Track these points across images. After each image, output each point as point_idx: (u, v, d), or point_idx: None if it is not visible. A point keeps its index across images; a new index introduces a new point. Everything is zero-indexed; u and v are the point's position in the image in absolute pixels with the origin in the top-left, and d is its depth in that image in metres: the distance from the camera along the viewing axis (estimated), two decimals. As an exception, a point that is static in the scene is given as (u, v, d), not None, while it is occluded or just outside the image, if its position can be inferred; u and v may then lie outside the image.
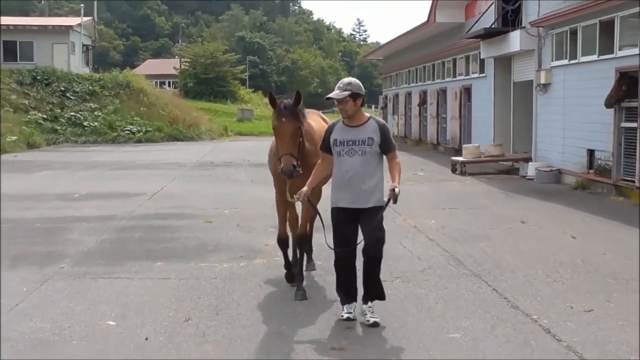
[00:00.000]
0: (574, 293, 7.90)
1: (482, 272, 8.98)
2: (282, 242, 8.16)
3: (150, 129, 41.11)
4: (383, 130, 6.62)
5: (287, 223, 8.16)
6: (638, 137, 14.84)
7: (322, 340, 6.46)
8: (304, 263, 8.27)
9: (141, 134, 40.40)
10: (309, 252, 8.84)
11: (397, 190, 6.30)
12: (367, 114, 6.81)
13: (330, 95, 6.58)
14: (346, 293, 6.81)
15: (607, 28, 16.50)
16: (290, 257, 8.30)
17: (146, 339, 6.47)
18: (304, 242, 8.07)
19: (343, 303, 6.80)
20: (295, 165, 6.91)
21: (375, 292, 6.73)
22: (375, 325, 6.42)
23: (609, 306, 7.47)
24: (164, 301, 7.78)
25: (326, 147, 6.75)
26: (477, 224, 12.42)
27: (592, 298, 7.67)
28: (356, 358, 5.86)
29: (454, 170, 22.23)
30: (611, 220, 12.98)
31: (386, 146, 6.62)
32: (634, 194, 15.08)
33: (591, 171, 17.34)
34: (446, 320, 7.00)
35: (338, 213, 6.70)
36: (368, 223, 6.52)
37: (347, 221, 6.62)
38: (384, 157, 6.76)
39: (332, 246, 6.80)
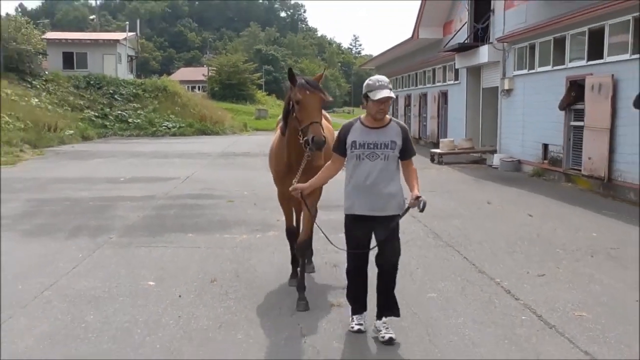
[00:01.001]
0: (530, 261, 7.94)
1: (455, 243, 9.00)
2: (291, 233, 6.74)
3: (183, 125, 41.07)
4: (406, 134, 5.21)
5: (294, 217, 6.89)
6: (583, 134, 14.86)
7: (324, 297, 6.51)
8: (305, 272, 6.62)
9: (175, 129, 40.36)
10: (309, 255, 7.44)
11: (422, 198, 4.97)
12: (388, 116, 5.28)
13: (382, 95, 4.97)
14: (357, 302, 5.44)
15: (559, 43, 16.47)
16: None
17: (179, 296, 6.55)
18: (305, 248, 6.48)
19: (353, 313, 5.44)
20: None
21: (390, 307, 5.29)
22: (390, 341, 5.07)
23: (558, 271, 7.52)
24: (194, 266, 7.82)
25: (341, 148, 5.22)
26: (451, 204, 12.42)
27: (544, 265, 7.72)
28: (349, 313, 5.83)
29: (432, 160, 22.20)
30: (561, 202, 13.00)
31: (407, 152, 5.19)
32: (580, 180, 15.13)
33: (545, 161, 17.36)
34: (425, 282, 7.04)
35: (353, 221, 5.20)
36: (384, 232, 5.11)
37: (362, 229, 5.17)
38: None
39: (339, 247, 5.52)
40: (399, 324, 5.53)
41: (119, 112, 39.94)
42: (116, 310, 6.07)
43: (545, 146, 17.37)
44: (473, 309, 6.18)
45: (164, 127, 40.14)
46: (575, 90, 15.34)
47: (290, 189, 5.44)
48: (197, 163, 21.74)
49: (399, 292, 5.43)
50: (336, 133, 5.82)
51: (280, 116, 6.54)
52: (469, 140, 22.85)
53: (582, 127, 15.04)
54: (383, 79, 5.15)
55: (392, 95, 5.11)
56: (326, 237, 5.60)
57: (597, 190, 14.27)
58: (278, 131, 6.53)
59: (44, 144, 27.31)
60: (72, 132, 32.08)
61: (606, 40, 14.17)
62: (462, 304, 6.34)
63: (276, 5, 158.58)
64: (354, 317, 5.43)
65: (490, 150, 21.66)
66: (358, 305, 5.43)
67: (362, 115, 5.33)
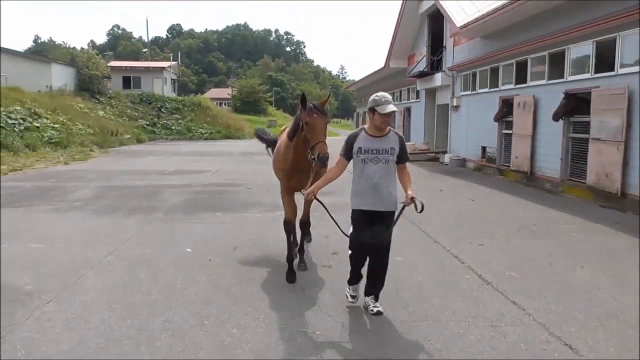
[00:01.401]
0: (472, 234, 7.88)
1: (415, 220, 8.88)
2: (289, 225, 5.92)
3: (213, 131, 40.72)
4: (402, 142, 4.79)
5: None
6: (512, 139, 14.81)
7: (319, 260, 6.48)
8: (302, 250, 6.36)
9: (207, 134, 40.05)
10: (309, 239, 7.07)
11: (417, 199, 4.67)
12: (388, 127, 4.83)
13: (389, 110, 4.57)
14: (354, 276, 4.92)
15: (494, 71, 16.37)
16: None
17: (209, 259, 6.47)
18: (307, 226, 6.32)
19: (350, 283, 4.97)
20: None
21: (377, 292, 4.83)
22: (378, 314, 4.67)
23: (493, 242, 7.46)
24: (221, 236, 7.73)
25: (348, 153, 4.75)
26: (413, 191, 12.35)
27: (483, 237, 7.63)
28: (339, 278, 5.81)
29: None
30: (495, 190, 12.96)
31: (403, 156, 4.77)
32: (510, 173, 15.06)
33: (484, 159, 17.28)
34: (394, 249, 6.95)
35: (359, 214, 4.76)
36: (382, 227, 4.75)
37: (366, 221, 4.72)
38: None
39: (348, 234, 4.85)
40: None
41: (165, 121, 39.58)
42: (162, 270, 6.01)
43: (484, 148, 17.30)
44: (429, 269, 6.16)
45: (198, 133, 39.82)
46: (506, 107, 15.27)
47: (305, 194, 4.87)
48: (223, 160, 21.61)
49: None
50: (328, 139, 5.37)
51: (285, 126, 6.54)
52: (427, 143, 22.77)
53: (511, 134, 14.97)
54: (387, 95, 4.73)
55: (396, 109, 4.71)
56: (337, 224, 5.02)
57: (522, 181, 14.23)
58: (284, 137, 5.98)
59: (108, 145, 27.10)
60: (129, 136, 31.83)
61: (529, 70, 14.08)
62: (421, 265, 6.31)
63: (283, 42, 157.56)
64: (350, 287, 4.96)
65: (442, 151, 21.53)
66: (355, 279, 4.92)
67: (366, 126, 4.84)
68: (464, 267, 6.22)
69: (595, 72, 11.14)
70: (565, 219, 9.32)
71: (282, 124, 62.40)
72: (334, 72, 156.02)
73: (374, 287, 4.84)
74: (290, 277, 5.66)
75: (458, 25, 16.93)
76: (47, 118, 25.04)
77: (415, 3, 23.83)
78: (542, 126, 13.32)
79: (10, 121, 21.76)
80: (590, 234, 8.12)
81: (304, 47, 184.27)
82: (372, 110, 4.66)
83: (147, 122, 38.22)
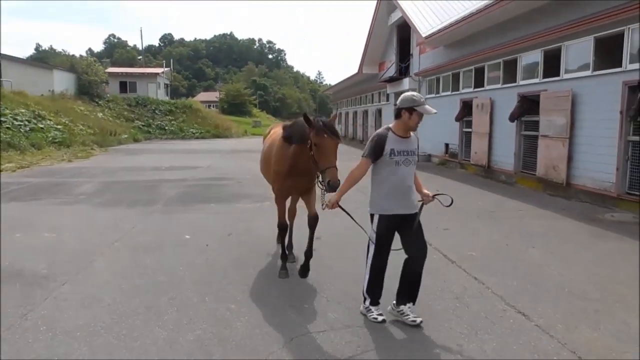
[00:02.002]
0: (438, 219, 7.98)
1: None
2: (283, 228, 5.24)
3: (203, 131, 40.38)
4: (418, 143, 4.21)
5: (287, 214, 5.48)
6: (472, 136, 15.08)
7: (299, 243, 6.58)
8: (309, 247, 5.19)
9: (198, 134, 39.70)
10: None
11: (441, 195, 4.26)
12: None
13: (430, 111, 3.96)
14: (377, 295, 4.17)
15: (455, 77, 16.62)
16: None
17: (207, 245, 6.50)
18: (316, 221, 5.01)
19: (373, 304, 4.16)
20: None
21: (414, 295, 4.12)
22: (419, 324, 3.96)
23: (456, 226, 7.61)
24: (215, 225, 7.77)
25: (377, 155, 4.00)
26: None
27: (447, 222, 7.68)
28: (322, 259, 5.89)
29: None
30: (457, 182, 13.17)
31: (417, 157, 4.16)
32: (470, 167, 15.34)
33: (447, 155, 17.54)
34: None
35: (389, 220, 4.04)
36: (414, 233, 4.07)
37: (392, 228, 4.08)
38: None
39: (373, 241, 4.12)
40: (346, 254, 5.64)
41: (159, 122, 39.09)
42: (164, 255, 6.04)
43: (447, 145, 17.54)
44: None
45: (190, 132, 39.44)
46: (466, 108, 15.54)
47: (325, 205, 4.11)
48: (214, 156, 21.52)
49: (353, 242, 5.45)
50: None
51: (271, 127, 6.17)
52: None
53: (471, 132, 15.25)
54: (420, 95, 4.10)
55: (435, 111, 4.12)
56: (356, 222, 4.39)
57: (481, 174, 14.51)
58: (275, 137, 5.25)
59: (108, 144, 26.68)
60: (126, 136, 31.41)
61: (486, 75, 14.35)
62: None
63: (265, 50, 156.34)
64: (373, 307, 4.14)
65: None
66: (377, 298, 4.17)
67: (391, 125, 4.08)
68: (431, 248, 6.26)
69: (544, 77, 11.43)
70: (519, 206, 9.58)
71: (266, 124, 61.91)
72: (312, 77, 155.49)
73: (409, 296, 4.12)
74: (283, 274, 5.20)
75: (423, 35, 17.13)
76: (50, 119, 24.61)
77: (385, 15, 24.00)
78: (497, 125, 13.61)
79: (16, 122, 21.33)
80: (540, 219, 8.38)
81: (285, 54, 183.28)
82: (410, 110, 3.95)
83: (143, 123, 37.73)
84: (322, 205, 4.21)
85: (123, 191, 11.23)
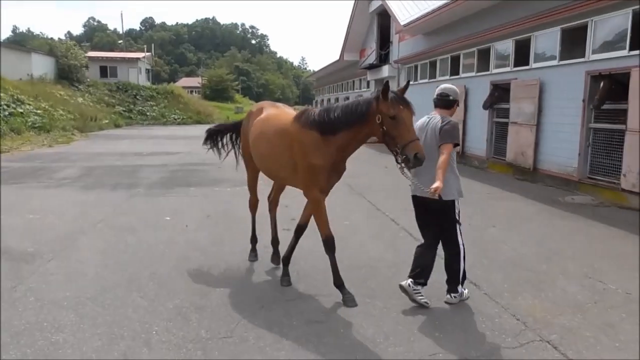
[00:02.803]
0: (408, 203, 8.43)
1: (362, 192, 9.47)
2: (332, 242, 4.30)
3: (185, 117, 40.31)
4: None
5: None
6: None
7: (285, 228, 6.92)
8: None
9: (180, 119, 39.62)
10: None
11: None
12: None
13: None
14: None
15: (432, 65, 16.97)
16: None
17: (186, 226, 6.79)
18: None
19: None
20: None
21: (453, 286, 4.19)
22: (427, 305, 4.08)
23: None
24: (195, 207, 8.04)
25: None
26: (362, 168, 12.69)
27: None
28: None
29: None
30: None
31: None
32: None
33: (424, 141, 17.94)
34: (342, 215, 7.47)
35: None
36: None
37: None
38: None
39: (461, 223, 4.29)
40: (318, 234, 6.00)
41: (140, 108, 38.89)
42: (146, 235, 6.33)
43: (424, 131, 17.95)
44: (371, 231, 6.68)
45: (172, 118, 39.32)
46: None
47: (432, 191, 3.79)
48: (195, 142, 21.43)
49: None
50: None
51: (261, 104, 5.08)
52: (377, 127, 23.33)
53: (446, 119, 15.64)
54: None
55: None
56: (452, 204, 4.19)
57: (456, 160, 14.91)
58: (279, 123, 4.47)
59: (88, 129, 26.58)
60: (107, 121, 31.22)
61: (461, 63, 14.74)
62: (364, 228, 6.83)
63: (248, 35, 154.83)
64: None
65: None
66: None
67: (441, 114, 4.19)
68: (399, 228, 6.78)
69: (515, 66, 11.87)
70: (487, 189, 10.05)
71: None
72: (296, 63, 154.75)
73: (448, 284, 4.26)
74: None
75: (402, 23, 17.43)
76: (29, 104, 24.38)
77: (366, 3, 24.20)
78: (471, 112, 14.04)
79: (-6, 107, 21.17)
80: (504, 201, 8.86)
81: (268, 40, 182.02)
82: (457, 102, 4.23)
83: (124, 109, 37.51)
84: (427, 190, 3.89)
85: (105, 175, 11.42)
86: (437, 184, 3.81)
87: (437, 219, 4.26)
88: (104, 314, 3.91)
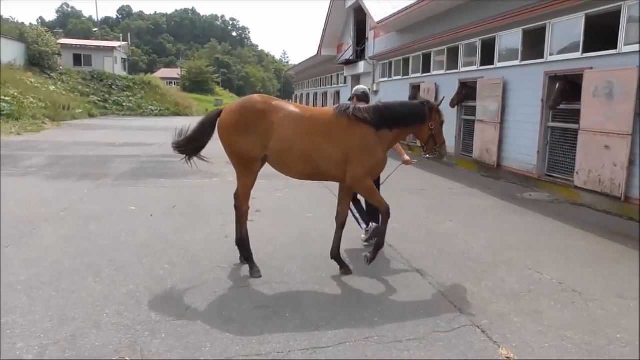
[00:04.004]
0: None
1: (329, 185, 9.64)
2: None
3: (162, 108, 39.91)
4: None
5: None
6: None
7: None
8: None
9: (157, 111, 39.21)
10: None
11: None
12: None
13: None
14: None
15: (406, 62, 17.24)
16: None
17: (151, 215, 6.88)
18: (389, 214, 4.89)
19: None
20: None
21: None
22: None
23: (389, 202, 8.25)
24: (162, 198, 8.13)
25: None
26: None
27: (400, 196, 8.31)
28: (261, 229, 6.40)
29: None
30: (398, 162, 13.87)
31: None
32: (416, 149, 15.98)
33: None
34: (308, 207, 7.69)
35: None
36: None
37: None
38: None
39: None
40: (280, 222, 6.22)
41: (116, 98, 38.34)
42: (109, 223, 6.41)
43: (397, 127, 18.24)
44: (332, 222, 6.81)
45: (149, 110, 38.89)
46: (415, 91, 16.24)
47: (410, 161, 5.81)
48: (170, 134, 21.42)
49: (290, 213, 5.94)
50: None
51: (278, 102, 4.68)
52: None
53: (418, 115, 15.94)
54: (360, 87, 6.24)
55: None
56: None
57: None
58: (357, 123, 4.57)
59: (60, 118, 26.15)
60: (80, 111, 30.76)
61: (432, 60, 15.05)
62: (326, 219, 6.88)
63: (229, 27, 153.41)
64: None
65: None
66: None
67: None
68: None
69: (481, 65, 12.21)
70: (450, 185, 10.37)
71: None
72: (277, 57, 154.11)
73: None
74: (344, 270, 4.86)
75: (375, 20, 17.66)
76: (-3, 91, 23.90)
77: (343, -1, 24.41)
78: (441, 109, 14.32)
79: (-40, 93, 20.70)
80: (464, 196, 9.17)
81: (249, 32, 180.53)
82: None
83: (99, 98, 36.94)
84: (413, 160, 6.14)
85: (73, 165, 11.37)
86: (407, 157, 6.17)
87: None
88: (57, 297, 4.03)
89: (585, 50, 8.54)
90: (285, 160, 4.57)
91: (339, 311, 3.98)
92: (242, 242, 4.89)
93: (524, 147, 10.28)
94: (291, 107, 4.68)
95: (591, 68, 8.31)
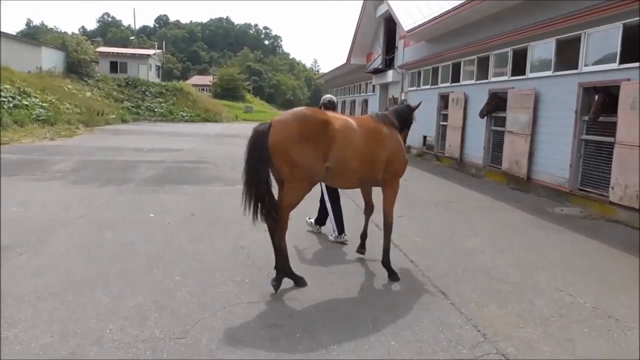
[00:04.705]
0: (395, 208, 8.35)
1: (352, 196, 9.39)
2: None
3: (193, 114, 40.55)
4: None
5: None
6: (447, 130, 15.41)
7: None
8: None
9: (188, 117, 39.82)
10: None
11: None
12: None
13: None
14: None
15: (435, 71, 16.89)
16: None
17: (168, 223, 6.77)
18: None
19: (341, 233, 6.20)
20: None
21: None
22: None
23: (411, 214, 7.84)
24: (181, 205, 8.02)
25: None
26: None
27: (404, 210, 7.71)
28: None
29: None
30: (429, 173, 13.51)
31: None
32: (444, 159, 15.69)
33: (424, 147, 17.89)
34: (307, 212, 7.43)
35: None
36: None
37: None
38: None
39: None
40: (309, 242, 5.98)
41: (148, 104, 39.13)
42: (125, 230, 6.31)
43: (425, 137, 17.86)
44: (354, 234, 6.59)
45: (179, 116, 39.52)
46: (444, 101, 15.86)
47: None
48: (198, 140, 21.70)
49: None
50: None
51: (350, 118, 4.74)
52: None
53: (446, 125, 15.59)
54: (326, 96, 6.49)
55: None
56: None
57: (454, 166, 14.85)
58: (394, 128, 5.06)
59: (94, 124, 26.74)
60: (114, 116, 31.41)
61: (462, 70, 14.66)
62: (346, 231, 6.74)
63: (262, 36, 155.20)
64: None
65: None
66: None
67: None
68: (381, 233, 6.66)
69: (512, 75, 11.77)
70: (479, 198, 9.96)
71: (259, 110, 61.49)
72: (308, 65, 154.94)
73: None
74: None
75: (405, 29, 17.37)
76: (36, 97, 24.54)
77: (373, 8, 24.15)
78: (470, 119, 13.94)
79: None
80: (493, 210, 8.76)
81: (281, 41, 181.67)
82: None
83: (132, 104, 37.74)
84: None
85: (99, 170, 11.44)
86: None
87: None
88: (62, 310, 3.89)
89: (622, 61, 8.06)
90: (347, 167, 4.54)
91: (353, 333, 3.70)
92: (285, 258, 4.55)
93: (556, 160, 9.80)
94: (340, 115, 4.74)
95: (629, 79, 7.83)
